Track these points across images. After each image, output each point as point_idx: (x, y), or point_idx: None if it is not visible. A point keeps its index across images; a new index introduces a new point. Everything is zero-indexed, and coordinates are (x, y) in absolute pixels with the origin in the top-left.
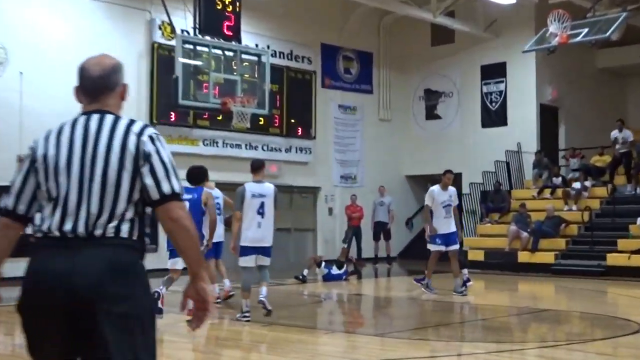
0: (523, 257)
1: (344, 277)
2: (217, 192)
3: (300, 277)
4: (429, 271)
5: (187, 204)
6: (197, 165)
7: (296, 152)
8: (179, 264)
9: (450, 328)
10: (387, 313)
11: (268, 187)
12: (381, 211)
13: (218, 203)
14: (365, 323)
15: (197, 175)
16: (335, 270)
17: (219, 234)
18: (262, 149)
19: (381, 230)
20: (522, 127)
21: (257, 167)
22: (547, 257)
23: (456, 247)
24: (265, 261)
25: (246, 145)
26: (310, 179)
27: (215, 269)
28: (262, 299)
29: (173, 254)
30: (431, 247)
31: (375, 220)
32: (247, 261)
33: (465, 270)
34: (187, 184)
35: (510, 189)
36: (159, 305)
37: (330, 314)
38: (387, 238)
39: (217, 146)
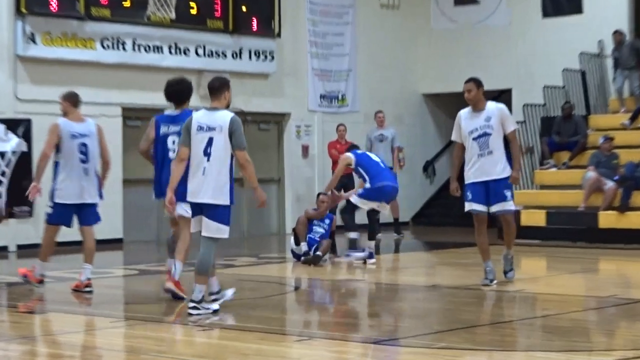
0: (607, 219)
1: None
2: (87, 127)
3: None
4: (481, 252)
5: (175, 139)
6: (177, 79)
7: (250, 58)
8: (178, 210)
9: (494, 330)
10: (394, 308)
11: (220, 117)
12: (381, 150)
13: (84, 144)
14: (359, 324)
15: (183, 92)
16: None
17: (89, 191)
18: (196, 53)
19: None
20: (606, 16)
21: (217, 87)
22: None
23: (506, 205)
24: (210, 229)
25: (170, 47)
26: (272, 101)
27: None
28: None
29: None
30: (466, 206)
31: None
32: (193, 225)
33: (373, 243)
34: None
35: (588, 113)
36: (177, 290)
37: (306, 311)
38: None
39: (124, 49)
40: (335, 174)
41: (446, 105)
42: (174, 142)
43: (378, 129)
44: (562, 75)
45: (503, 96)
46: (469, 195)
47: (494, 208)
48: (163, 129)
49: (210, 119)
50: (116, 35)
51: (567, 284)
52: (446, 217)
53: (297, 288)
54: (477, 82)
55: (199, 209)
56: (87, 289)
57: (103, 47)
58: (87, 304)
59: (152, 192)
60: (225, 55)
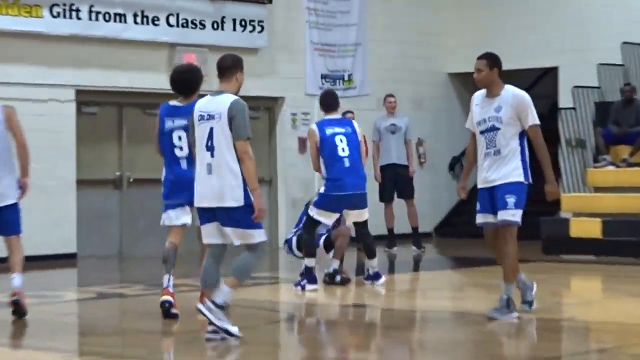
0: None
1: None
2: None
3: (331, 275)
4: (506, 272)
5: (181, 134)
6: (185, 66)
7: (234, 29)
8: (182, 217)
9: None
10: (412, 340)
11: (221, 102)
12: (393, 144)
13: None
14: None
15: (192, 82)
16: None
17: (4, 191)
18: (168, 23)
19: (394, 181)
20: None
21: (229, 67)
22: None
23: (505, 215)
24: (237, 237)
25: (135, 16)
26: (262, 83)
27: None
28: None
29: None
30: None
31: (384, 162)
32: (204, 235)
33: (375, 261)
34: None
35: None
36: (172, 309)
37: (304, 346)
38: (407, 195)
39: (78, 18)
40: (312, 160)
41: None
42: (180, 138)
43: (388, 117)
44: (621, 50)
45: (548, 76)
46: (477, 204)
47: (498, 218)
48: (168, 123)
49: (212, 105)
50: (69, 1)
51: (628, 310)
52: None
53: (292, 316)
54: (491, 60)
55: (211, 215)
56: (14, 298)
57: (52, 15)
58: (31, 334)
59: (112, 195)
60: (204, 26)
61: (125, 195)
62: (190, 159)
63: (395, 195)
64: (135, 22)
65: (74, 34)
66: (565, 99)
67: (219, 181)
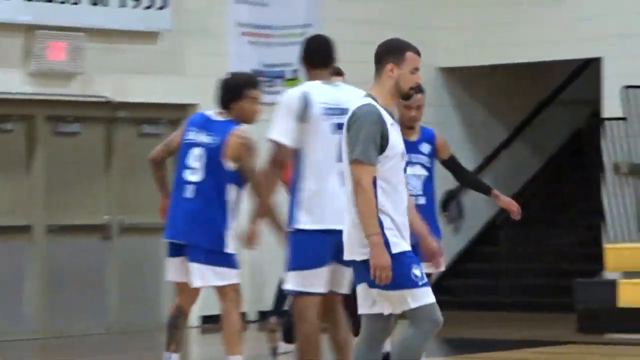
0: None
1: None
2: None
3: None
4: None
5: (201, 153)
6: (232, 75)
7: (124, 3)
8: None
9: None
10: None
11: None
12: None
13: None
14: None
15: (235, 88)
16: None
17: None
18: None
19: None
20: None
21: (376, 56)
22: None
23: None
24: (377, 296)
25: None
26: (164, 84)
27: None
28: None
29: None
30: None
31: None
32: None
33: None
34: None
35: None
36: None
37: None
38: None
39: None
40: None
41: (486, 88)
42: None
43: None
44: None
45: (590, 68)
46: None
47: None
48: (190, 135)
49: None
50: None
51: None
52: (486, 292)
53: None
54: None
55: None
56: None
57: None
58: None
59: None
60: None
61: None
62: (202, 187)
63: None
64: None
65: None
66: (611, 105)
67: (347, 222)
